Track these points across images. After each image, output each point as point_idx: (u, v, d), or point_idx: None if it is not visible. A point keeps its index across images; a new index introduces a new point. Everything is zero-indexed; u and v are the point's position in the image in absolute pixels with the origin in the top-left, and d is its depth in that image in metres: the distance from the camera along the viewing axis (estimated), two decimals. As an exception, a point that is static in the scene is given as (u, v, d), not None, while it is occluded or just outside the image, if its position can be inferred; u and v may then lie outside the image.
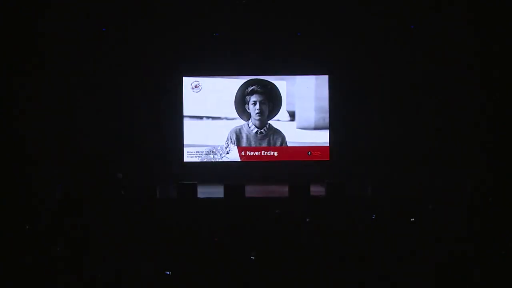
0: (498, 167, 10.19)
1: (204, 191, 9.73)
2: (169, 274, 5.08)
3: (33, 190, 9.15)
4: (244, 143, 11.63)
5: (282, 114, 11.65)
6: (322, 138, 11.67)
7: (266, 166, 11.60)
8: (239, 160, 11.68)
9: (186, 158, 11.69)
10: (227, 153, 11.69)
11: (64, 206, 8.39)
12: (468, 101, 10.75)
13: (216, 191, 9.66)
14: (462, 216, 7.18)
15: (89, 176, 10.49)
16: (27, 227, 6.71)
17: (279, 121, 11.68)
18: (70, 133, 10.86)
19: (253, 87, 11.56)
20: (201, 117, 11.67)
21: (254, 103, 11.55)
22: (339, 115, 11.51)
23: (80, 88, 10.90)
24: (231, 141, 11.63)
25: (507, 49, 10.39)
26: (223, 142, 11.67)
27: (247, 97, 11.60)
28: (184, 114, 11.64)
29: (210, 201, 9.25)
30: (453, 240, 6.03)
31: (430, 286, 5.14)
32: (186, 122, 11.64)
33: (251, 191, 9.60)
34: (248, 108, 11.61)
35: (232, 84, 11.65)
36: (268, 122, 11.62)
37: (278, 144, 11.63)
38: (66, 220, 7.25)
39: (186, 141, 11.66)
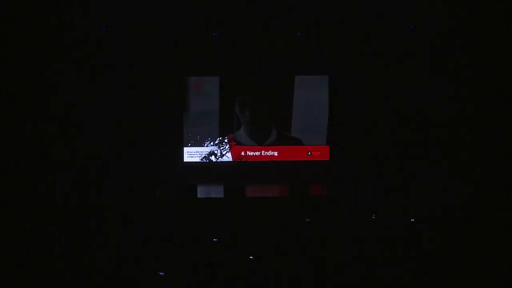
0: (498, 168, 10.20)
1: (204, 191, 9.74)
2: (162, 274, 5.09)
3: (33, 190, 9.15)
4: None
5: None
6: (322, 138, 11.67)
7: (266, 166, 11.61)
8: (232, 160, 11.66)
9: (186, 158, 11.69)
10: (228, 151, 11.69)
11: (64, 206, 8.40)
12: (469, 101, 10.74)
13: (216, 191, 9.67)
14: (458, 217, 7.19)
15: (89, 176, 10.50)
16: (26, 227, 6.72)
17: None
18: (69, 132, 10.85)
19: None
20: (202, 116, 11.67)
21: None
22: (339, 115, 11.50)
23: (79, 88, 10.89)
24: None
25: (506, 49, 10.40)
26: (223, 141, 11.68)
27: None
28: (185, 113, 11.64)
29: (210, 201, 9.26)
30: (450, 241, 6.04)
31: (429, 285, 5.14)
32: (187, 121, 11.64)
33: (251, 191, 9.61)
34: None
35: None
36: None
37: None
38: (66, 220, 7.25)
39: (187, 140, 11.67)
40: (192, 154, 11.72)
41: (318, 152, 11.71)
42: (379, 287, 5.13)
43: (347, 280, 5.16)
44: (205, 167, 11.65)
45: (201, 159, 11.71)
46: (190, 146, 11.71)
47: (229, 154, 11.71)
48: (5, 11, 10.01)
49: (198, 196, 9.36)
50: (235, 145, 11.69)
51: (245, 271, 5.32)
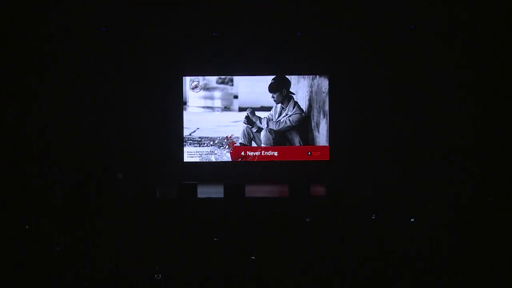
0: (497, 168, 10.20)
1: (204, 191, 9.73)
2: (159, 277, 5.08)
3: (33, 190, 9.15)
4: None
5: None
6: (322, 138, 11.68)
7: (266, 166, 11.60)
8: (231, 160, 11.67)
9: (186, 158, 11.69)
10: (228, 151, 11.69)
11: (64, 206, 8.39)
12: (468, 101, 10.75)
13: (216, 191, 9.66)
14: (458, 216, 7.19)
15: (89, 176, 10.50)
16: (27, 227, 6.72)
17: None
18: (69, 133, 10.85)
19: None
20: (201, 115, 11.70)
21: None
22: (339, 115, 11.50)
23: (79, 88, 10.89)
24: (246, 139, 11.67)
25: (506, 49, 10.41)
26: (223, 141, 11.69)
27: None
28: (186, 111, 11.66)
29: (210, 201, 9.25)
30: (450, 240, 6.04)
31: (429, 285, 5.14)
32: (188, 119, 11.66)
33: (251, 191, 9.60)
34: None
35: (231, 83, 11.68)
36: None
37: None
38: (66, 220, 7.25)
39: (188, 139, 11.68)
40: (192, 154, 11.72)
41: (318, 152, 11.71)
42: (379, 286, 5.13)
43: (347, 280, 5.16)
44: (205, 167, 11.66)
45: (201, 159, 11.71)
46: (190, 146, 11.71)
47: (228, 154, 11.72)
48: (5, 11, 10.02)
49: (198, 196, 9.34)
50: (235, 144, 11.70)
51: (245, 271, 5.31)
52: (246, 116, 11.63)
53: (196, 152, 11.71)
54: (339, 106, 11.49)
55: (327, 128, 11.63)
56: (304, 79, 11.61)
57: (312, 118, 11.65)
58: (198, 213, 7.94)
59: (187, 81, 11.65)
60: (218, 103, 11.68)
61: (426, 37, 10.86)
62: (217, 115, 11.69)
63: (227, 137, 11.67)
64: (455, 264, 5.39)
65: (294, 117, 11.66)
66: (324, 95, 11.59)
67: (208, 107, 11.69)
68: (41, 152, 10.46)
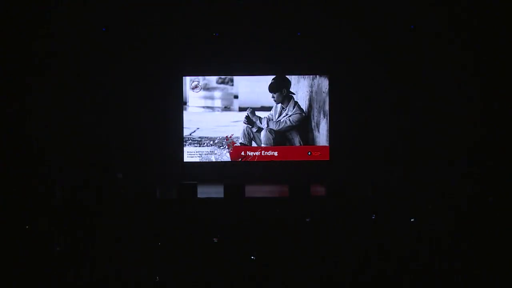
0: (497, 168, 10.20)
1: (204, 191, 9.73)
2: (157, 280, 5.08)
3: (33, 190, 9.15)
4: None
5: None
6: (322, 138, 11.68)
7: (266, 166, 11.61)
8: (231, 160, 11.68)
9: (186, 158, 11.70)
10: (228, 151, 11.70)
11: (64, 206, 8.39)
12: (468, 101, 10.75)
13: (216, 191, 9.66)
14: (458, 216, 7.19)
15: (89, 176, 10.50)
16: (27, 227, 6.71)
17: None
18: (69, 133, 10.85)
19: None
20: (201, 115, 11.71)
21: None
22: (339, 115, 11.51)
23: (79, 88, 10.90)
24: (246, 139, 11.68)
25: (506, 49, 10.41)
26: (223, 141, 11.69)
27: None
28: (186, 111, 11.66)
29: (210, 201, 9.25)
30: (450, 240, 6.03)
31: (429, 285, 5.14)
32: (188, 119, 11.66)
33: (251, 191, 9.60)
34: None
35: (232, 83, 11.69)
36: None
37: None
38: (66, 220, 7.25)
39: (188, 139, 11.68)
40: (192, 154, 11.73)
41: (318, 152, 11.71)
42: (379, 286, 5.13)
43: (347, 280, 5.16)
44: (205, 167, 11.66)
45: (201, 159, 11.72)
46: (190, 146, 11.71)
47: (228, 154, 11.72)
48: (5, 11, 10.02)
49: (198, 196, 9.35)
50: (235, 144, 11.70)
51: (246, 271, 5.31)
52: (246, 116, 11.65)
53: (196, 152, 11.71)
54: (339, 106, 11.50)
55: (327, 128, 11.64)
56: (304, 79, 11.63)
57: (312, 118, 11.68)
58: (198, 213, 7.93)
59: (187, 81, 11.67)
60: (218, 103, 11.70)
61: (426, 37, 10.87)
62: (217, 115, 11.71)
63: (227, 137, 11.68)
64: (455, 264, 5.38)
65: (294, 117, 11.68)
66: (324, 95, 11.61)
67: (208, 107, 11.71)
68: (41, 152, 10.46)
